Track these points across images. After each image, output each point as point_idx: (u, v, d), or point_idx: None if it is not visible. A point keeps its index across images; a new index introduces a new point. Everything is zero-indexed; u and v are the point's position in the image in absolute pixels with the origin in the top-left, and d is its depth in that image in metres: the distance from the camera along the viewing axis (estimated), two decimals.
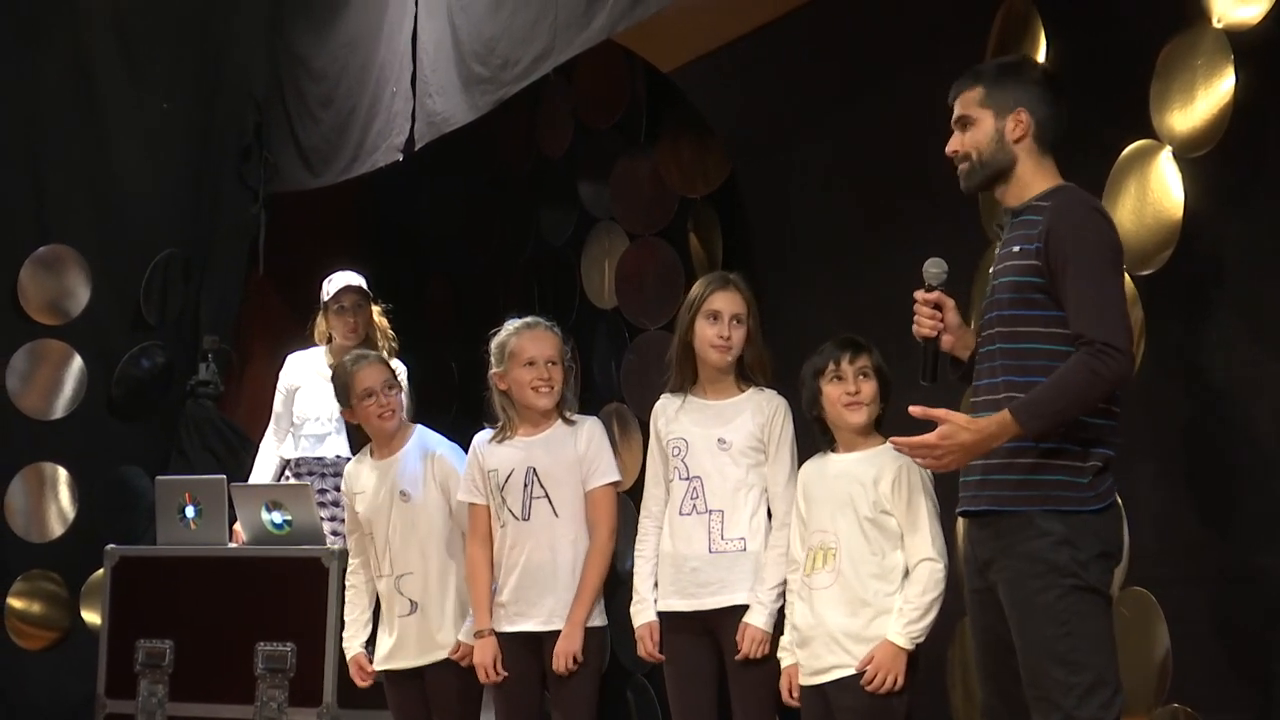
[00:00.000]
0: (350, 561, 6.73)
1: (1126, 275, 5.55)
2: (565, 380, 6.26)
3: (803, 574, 5.54)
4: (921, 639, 5.31)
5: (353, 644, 6.64)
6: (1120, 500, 4.79)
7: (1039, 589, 4.60)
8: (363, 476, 6.61)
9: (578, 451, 6.17)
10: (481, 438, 6.32)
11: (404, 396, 6.79)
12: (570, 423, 6.23)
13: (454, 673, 6.37)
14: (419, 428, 6.65)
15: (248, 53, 9.92)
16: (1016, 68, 4.88)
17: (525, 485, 6.14)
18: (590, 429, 6.24)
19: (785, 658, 5.60)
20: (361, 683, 6.64)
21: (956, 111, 4.85)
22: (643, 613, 5.95)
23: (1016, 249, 4.71)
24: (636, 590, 5.99)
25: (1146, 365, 5.53)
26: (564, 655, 6.03)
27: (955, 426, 4.61)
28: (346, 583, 6.73)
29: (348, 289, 7.88)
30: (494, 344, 6.30)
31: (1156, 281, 5.52)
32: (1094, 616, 4.60)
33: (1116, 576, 5.48)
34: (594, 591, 6.11)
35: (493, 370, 6.28)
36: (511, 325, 6.32)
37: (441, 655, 6.38)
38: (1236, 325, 5.39)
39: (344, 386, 6.61)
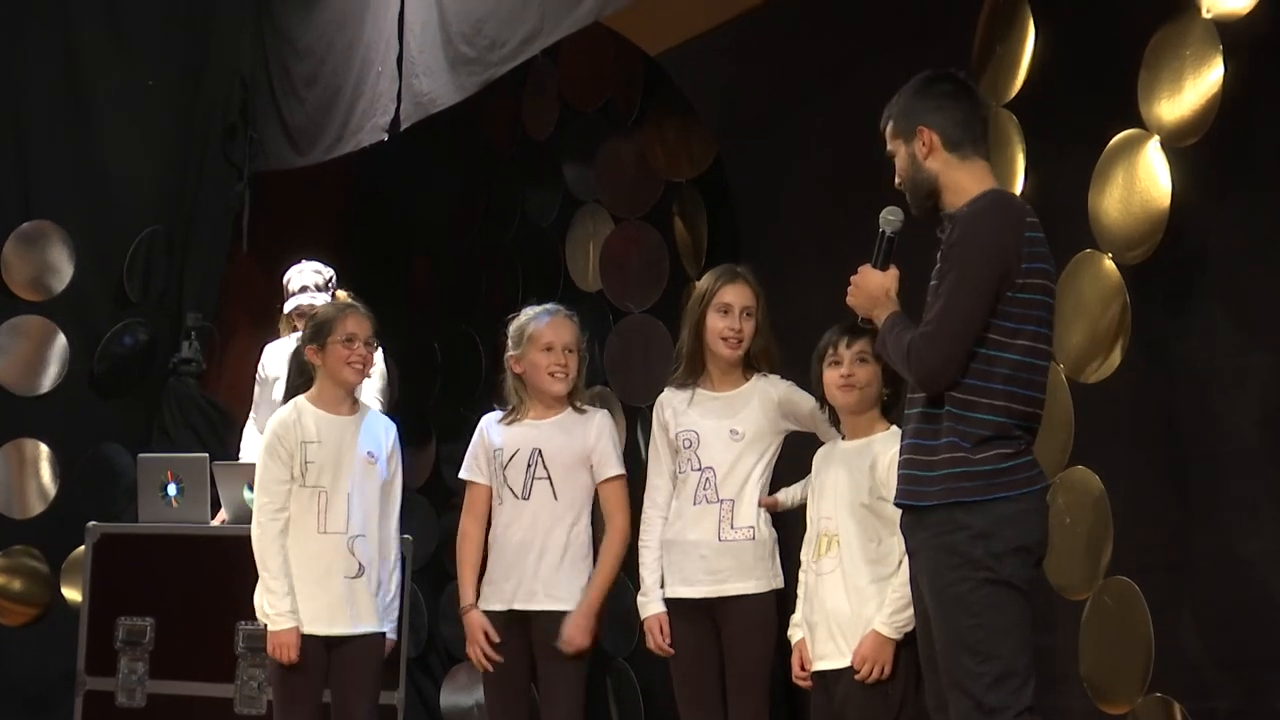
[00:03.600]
0: (275, 515, 6.30)
1: (1111, 263, 5.58)
2: (580, 369, 6.29)
3: (810, 559, 5.60)
4: (909, 628, 5.31)
5: (294, 614, 6.28)
6: (1046, 496, 4.84)
7: (952, 580, 4.72)
8: (315, 426, 6.38)
9: (586, 443, 6.21)
10: (490, 418, 6.35)
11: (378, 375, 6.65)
12: (581, 412, 6.26)
13: (380, 646, 6.37)
14: (361, 400, 6.61)
15: (234, 30, 9.89)
16: (913, 90, 5.03)
17: (529, 465, 6.17)
18: (601, 421, 6.27)
19: (795, 633, 5.67)
20: (288, 659, 6.28)
21: (887, 150, 5.07)
22: (650, 604, 6.00)
23: (939, 254, 4.88)
24: (643, 581, 6.02)
25: (1131, 353, 5.54)
26: (571, 643, 6.04)
27: (865, 273, 5.07)
28: (274, 540, 6.28)
29: (307, 305, 7.80)
30: (513, 327, 6.32)
31: (1143, 270, 5.53)
32: (1005, 609, 4.70)
33: (1099, 563, 5.54)
34: (611, 581, 6.14)
35: (509, 353, 6.30)
36: (532, 310, 6.34)
37: (378, 627, 6.34)
38: (1222, 314, 5.40)
39: (324, 323, 6.42)
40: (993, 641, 4.67)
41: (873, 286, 5.03)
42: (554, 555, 6.14)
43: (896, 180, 5.02)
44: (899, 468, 4.94)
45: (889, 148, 5.03)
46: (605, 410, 6.41)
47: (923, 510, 4.81)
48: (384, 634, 6.40)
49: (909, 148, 4.96)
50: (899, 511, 5.29)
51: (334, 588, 6.31)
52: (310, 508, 6.34)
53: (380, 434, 6.49)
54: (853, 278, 5.08)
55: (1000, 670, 4.66)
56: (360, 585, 6.33)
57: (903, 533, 4.98)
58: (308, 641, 6.29)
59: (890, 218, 5.07)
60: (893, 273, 5.03)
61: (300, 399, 6.47)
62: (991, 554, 4.67)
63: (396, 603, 6.48)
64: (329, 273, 7.95)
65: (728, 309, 5.93)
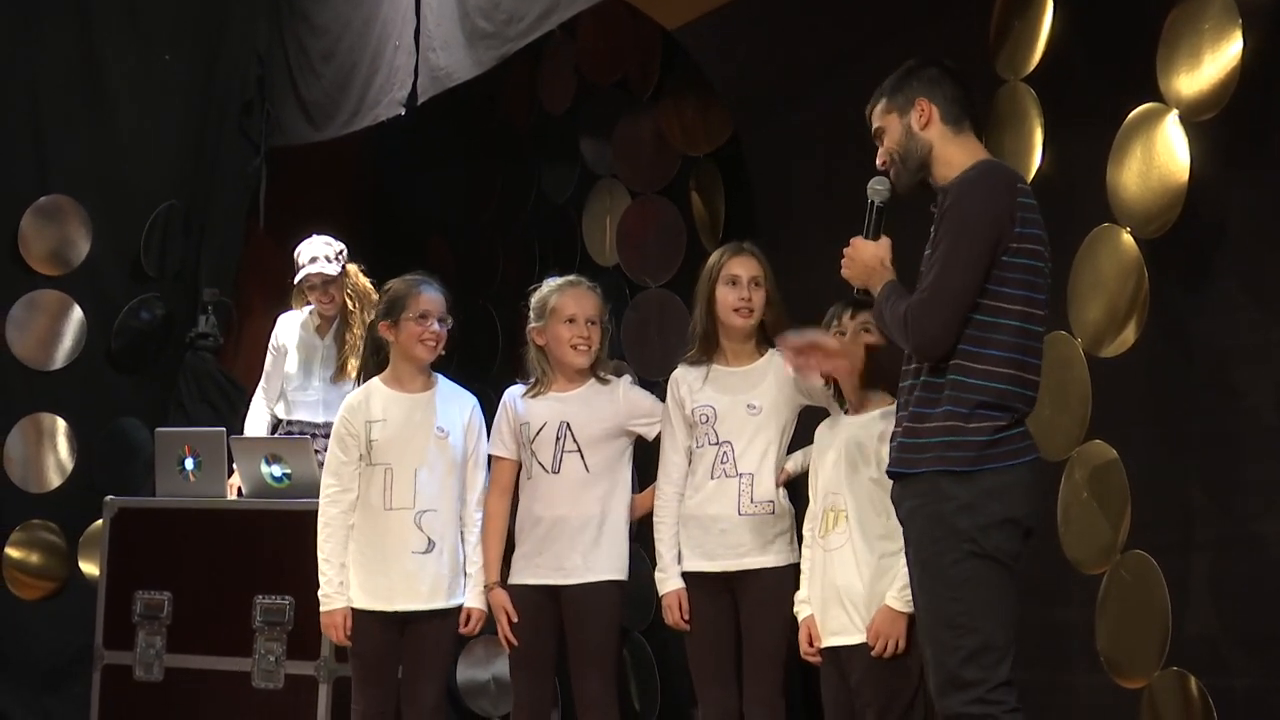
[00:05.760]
0: (339, 498, 6.36)
1: (1130, 237, 5.57)
2: (602, 341, 6.28)
3: (817, 534, 5.60)
4: None
5: (342, 595, 6.35)
6: (1033, 467, 4.84)
7: (937, 552, 4.75)
8: (382, 405, 6.38)
9: (617, 411, 6.22)
10: (514, 392, 6.35)
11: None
12: (604, 382, 6.27)
13: (450, 622, 6.33)
14: (439, 375, 6.52)
15: (250, 6, 9.90)
16: (908, 70, 5.11)
17: (557, 439, 6.18)
18: (628, 388, 6.30)
19: (803, 610, 5.67)
20: (337, 640, 6.42)
21: (874, 129, 5.12)
22: (669, 580, 6.02)
23: (933, 225, 4.91)
24: (660, 556, 6.05)
25: (1149, 329, 5.53)
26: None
27: (858, 245, 5.09)
28: (331, 522, 6.35)
29: (317, 274, 7.91)
30: (534, 299, 6.33)
31: (1160, 245, 5.52)
32: (987, 583, 4.72)
33: (1116, 537, 5.53)
34: None
35: (531, 325, 6.31)
36: (554, 282, 6.36)
37: (447, 603, 6.30)
38: (1240, 290, 5.39)
39: (398, 298, 6.42)
40: (972, 616, 4.69)
41: (867, 256, 5.06)
42: (590, 529, 6.15)
43: (879, 159, 5.08)
44: (894, 437, 4.95)
45: (877, 125, 5.09)
46: (627, 376, 6.42)
47: (912, 478, 4.83)
48: (459, 609, 6.33)
49: (904, 120, 5.02)
50: None
51: (402, 564, 6.29)
52: (377, 485, 6.34)
53: (455, 409, 6.44)
54: (845, 250, 5.11)
55: (977, 644, 4.67)
56: (430, 560, 6.29)
57: (892, 502, 4.99)
58: (374, 619, 6.31)
59: (878, 188, 5.12)
60: (885, 241, 5.07)
61: (374, 380, 6.48)
62: (978, 526, 4.69)
63: (483, 574, 6.37)
64: (339, 245, 7.96)
65: (736, 280, 5.98)
